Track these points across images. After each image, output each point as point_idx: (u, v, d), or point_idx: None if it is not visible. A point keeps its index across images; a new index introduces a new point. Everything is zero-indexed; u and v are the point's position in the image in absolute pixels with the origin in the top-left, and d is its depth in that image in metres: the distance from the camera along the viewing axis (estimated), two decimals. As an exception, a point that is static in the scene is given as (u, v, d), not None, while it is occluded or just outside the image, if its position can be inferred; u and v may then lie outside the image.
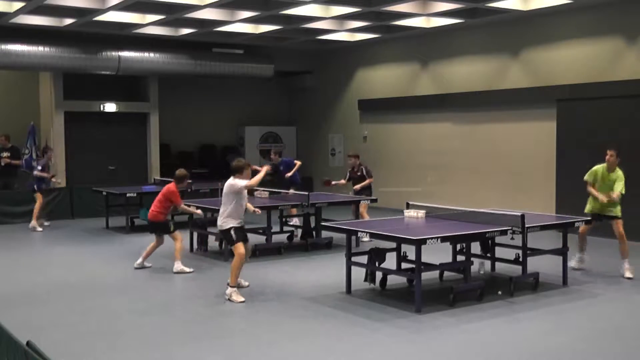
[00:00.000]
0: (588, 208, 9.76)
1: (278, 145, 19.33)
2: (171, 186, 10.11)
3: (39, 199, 14.19)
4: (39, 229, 14.06)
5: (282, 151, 15.59)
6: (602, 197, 9.40)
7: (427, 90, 16.83)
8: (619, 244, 9.54)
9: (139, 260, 10.19)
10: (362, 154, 15.78)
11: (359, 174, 12.86)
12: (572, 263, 9.69)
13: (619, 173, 9.53)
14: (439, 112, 16.50)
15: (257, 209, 9.31)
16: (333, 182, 13.07)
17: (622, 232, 9.49)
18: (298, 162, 14.40)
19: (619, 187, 9.38)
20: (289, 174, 14.04)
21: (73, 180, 16.89)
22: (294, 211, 13.02)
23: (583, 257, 9.98)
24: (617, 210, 9.55)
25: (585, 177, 9.74)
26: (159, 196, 10.11)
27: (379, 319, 7.42)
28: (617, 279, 9.38)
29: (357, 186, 12.83)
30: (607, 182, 9.54)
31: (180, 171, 10.26)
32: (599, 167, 9.67)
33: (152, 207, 10.14)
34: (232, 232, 8.28)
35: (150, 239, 10.04)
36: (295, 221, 13.01)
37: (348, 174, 13.08)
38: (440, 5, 13.40)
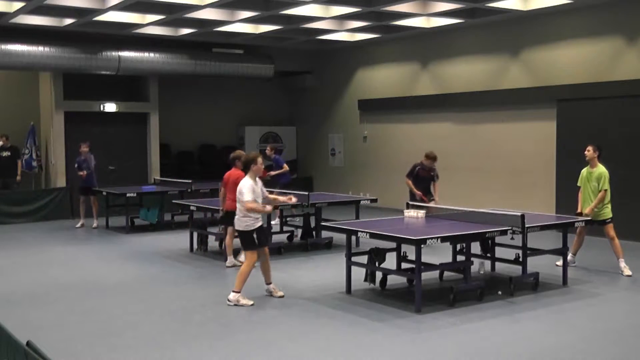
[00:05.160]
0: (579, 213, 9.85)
1: (278, 145, 19.29)
2: (238, 173, 9.55)
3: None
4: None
5: (280, 149, 15.59)
6: (587, 211, 9.54)
7: (427, 90, 16.83)
8: (612, 245, 9.68)
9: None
10: (362, 154, 15.76)
11: (431, 173, 12.14)
12: (559, 261, 9.75)
13: (602, 169, 9.61)
14: (439, 112, 16.49)
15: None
16: (432, 202, 11.91)
17: (612, 235, 9.61)
18: (286, 167, 14.56)
19: (604, 186, 9.47)
20: (272, 173, 14.20)
21: (73, 180, 16.86)
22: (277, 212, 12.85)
23: (573, 259, 10.09)
24: (607, 214, 9.65)
25: (578, 183, 9.92)
26: (231, 186, 9.55)
27: (379, 319, 7.42)
28: (617, 279, 9.40)
29: (435, 195, 12.13)
30: (592, 181, 9.64)
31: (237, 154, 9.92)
32: (583, 170, 9.84)
33: (229, 196, 9.73)
34: (254, 235, 8.00)
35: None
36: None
37: (416, 172, 12.21)
38: (440, 5, 13.40)
